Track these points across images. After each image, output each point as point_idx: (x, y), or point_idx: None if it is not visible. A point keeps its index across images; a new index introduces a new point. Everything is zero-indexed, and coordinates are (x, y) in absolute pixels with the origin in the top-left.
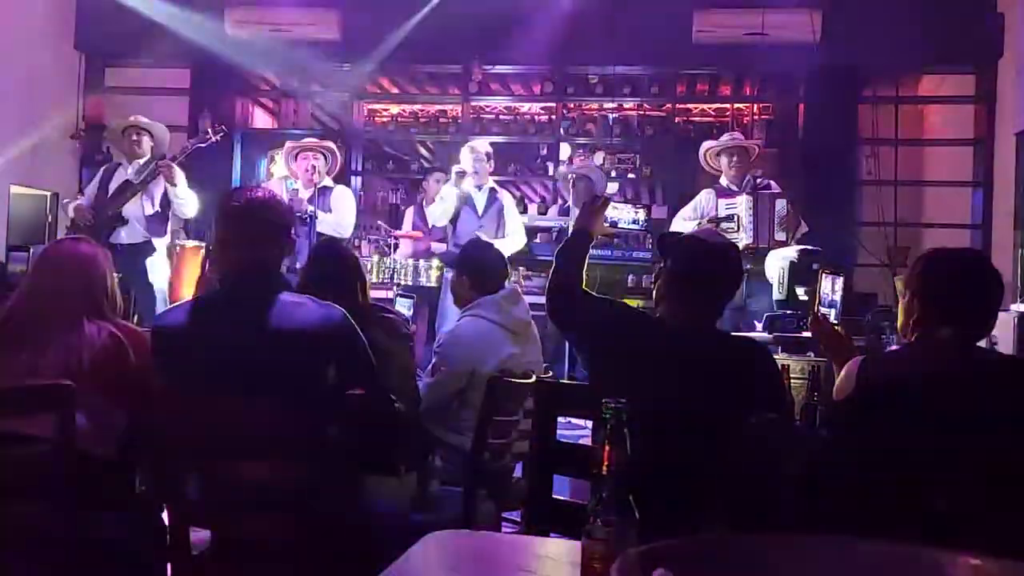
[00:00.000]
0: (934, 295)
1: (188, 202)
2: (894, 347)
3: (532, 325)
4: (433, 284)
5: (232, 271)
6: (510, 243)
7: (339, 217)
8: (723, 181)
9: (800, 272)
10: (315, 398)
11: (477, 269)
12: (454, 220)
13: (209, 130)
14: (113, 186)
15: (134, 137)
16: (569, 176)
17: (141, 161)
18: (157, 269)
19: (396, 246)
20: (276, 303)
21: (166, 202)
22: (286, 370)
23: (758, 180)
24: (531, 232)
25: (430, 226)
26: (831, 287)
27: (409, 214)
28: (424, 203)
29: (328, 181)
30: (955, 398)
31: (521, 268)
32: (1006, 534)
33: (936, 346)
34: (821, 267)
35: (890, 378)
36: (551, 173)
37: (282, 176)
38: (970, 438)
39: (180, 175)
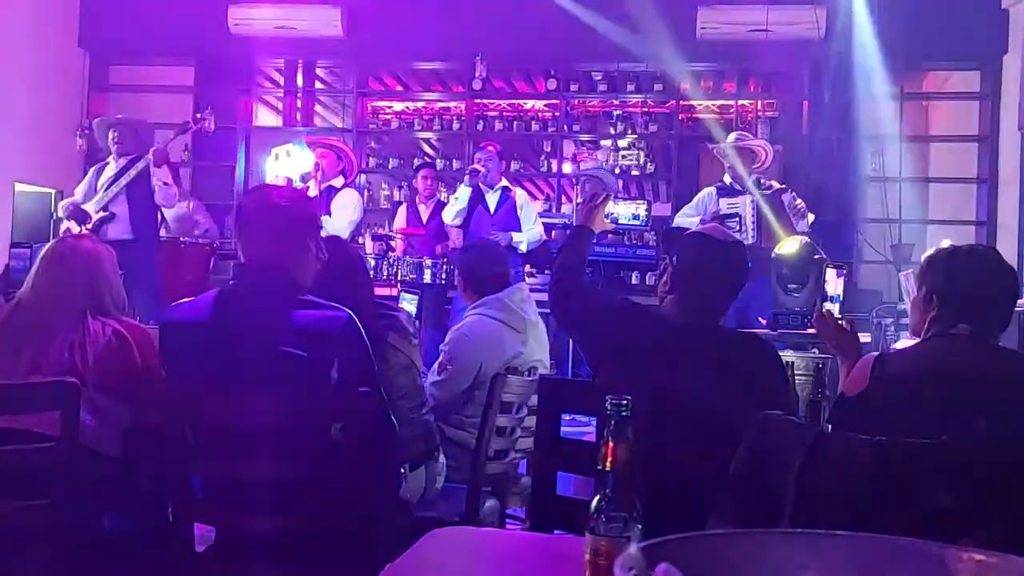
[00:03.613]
0: (952, 291)
1: (171, 191)
2: (908, 343)
3: (540, 324)
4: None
5: (244, 268)
6: (528, 235)
7: (336, 220)
8: (726, 179)
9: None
10: (319, 397)
11: (474, 270)
12: (468, 219)
13: (190, 120)
14: (100, 184)
15: (116, 135)
16: (580, 177)
17: (126, 158)
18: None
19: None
20: (284, 302)
21: (152, 198)
22: (291, 369)
23: (762, 180)
24: None
25: (425, 222)
26: (834, 281)
27: (402, 211)
28: (417, 200)
29: (336, 182)
30: (974, 394)
31: (525, 266)
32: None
33: (954, 342)
34: (825, 261)
35: (907, 374)
36: (555, 170)
37: (286, 177)
38: (989, 435)
39: (168, 163)
